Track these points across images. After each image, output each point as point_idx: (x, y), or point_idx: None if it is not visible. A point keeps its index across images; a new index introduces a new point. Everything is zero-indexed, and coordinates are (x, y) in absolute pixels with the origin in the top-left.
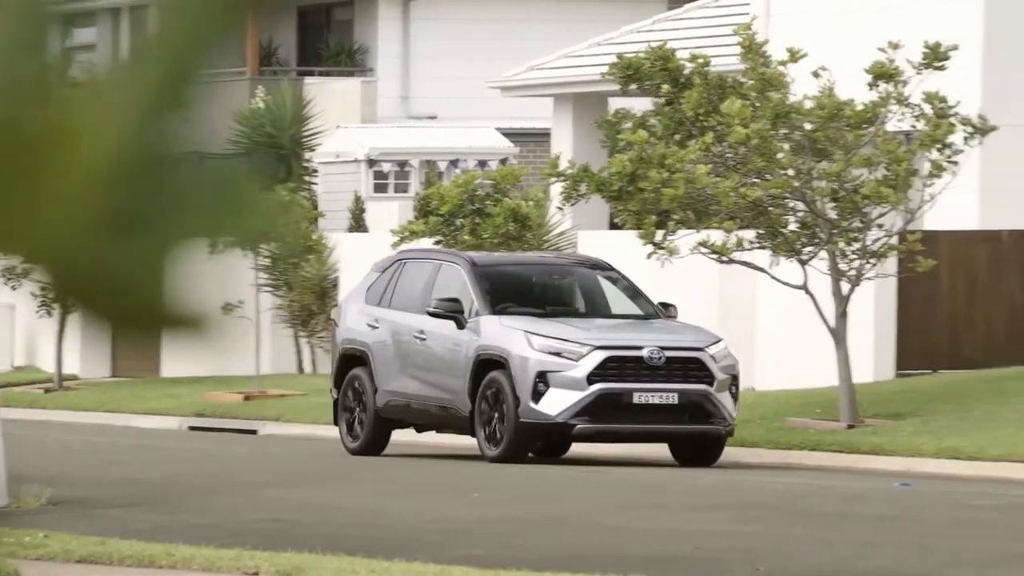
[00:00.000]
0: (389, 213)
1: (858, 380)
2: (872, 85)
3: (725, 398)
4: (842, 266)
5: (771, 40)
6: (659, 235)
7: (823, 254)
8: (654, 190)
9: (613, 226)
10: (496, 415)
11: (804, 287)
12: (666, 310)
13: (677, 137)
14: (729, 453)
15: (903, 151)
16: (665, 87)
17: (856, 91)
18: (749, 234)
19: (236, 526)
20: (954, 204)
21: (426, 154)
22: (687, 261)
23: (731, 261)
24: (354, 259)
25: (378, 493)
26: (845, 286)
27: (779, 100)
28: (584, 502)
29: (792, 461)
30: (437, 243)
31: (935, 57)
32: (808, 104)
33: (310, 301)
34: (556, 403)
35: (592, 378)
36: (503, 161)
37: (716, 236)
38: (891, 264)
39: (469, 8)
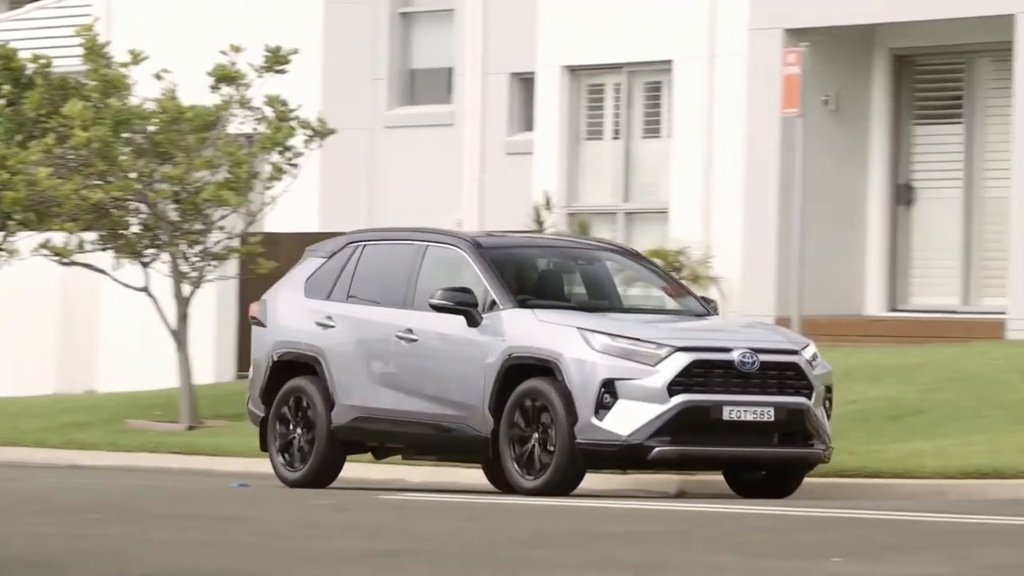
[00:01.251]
0: None
1: (200, 381)
2: (215, 88)
3: (822, 414)
4: (184, 268)
5: (114, 42)
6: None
7: (165, 256)
8: None
9: None
10: (536, 435)
11: (146, 289)
12: (708, 304)
13: (19, 138)
14: (69, 456)
15: (244, 154)
16: (6, 87)
17: (200, 94)
18: (92, 236)
19: None
20: (295, 206)
21: None
22: (28, 263)
23: (73, 263)
24: None
25: None
26: (187, 288)
27: (121, 104)
28: None
29: (132, 463)
30: None
31: (276, 60)
32: (151, 107)
33: None
34: (627, 419)
35: (673, 388)
36: None
37: (58, 238)
38: (232, 266)
39: None
